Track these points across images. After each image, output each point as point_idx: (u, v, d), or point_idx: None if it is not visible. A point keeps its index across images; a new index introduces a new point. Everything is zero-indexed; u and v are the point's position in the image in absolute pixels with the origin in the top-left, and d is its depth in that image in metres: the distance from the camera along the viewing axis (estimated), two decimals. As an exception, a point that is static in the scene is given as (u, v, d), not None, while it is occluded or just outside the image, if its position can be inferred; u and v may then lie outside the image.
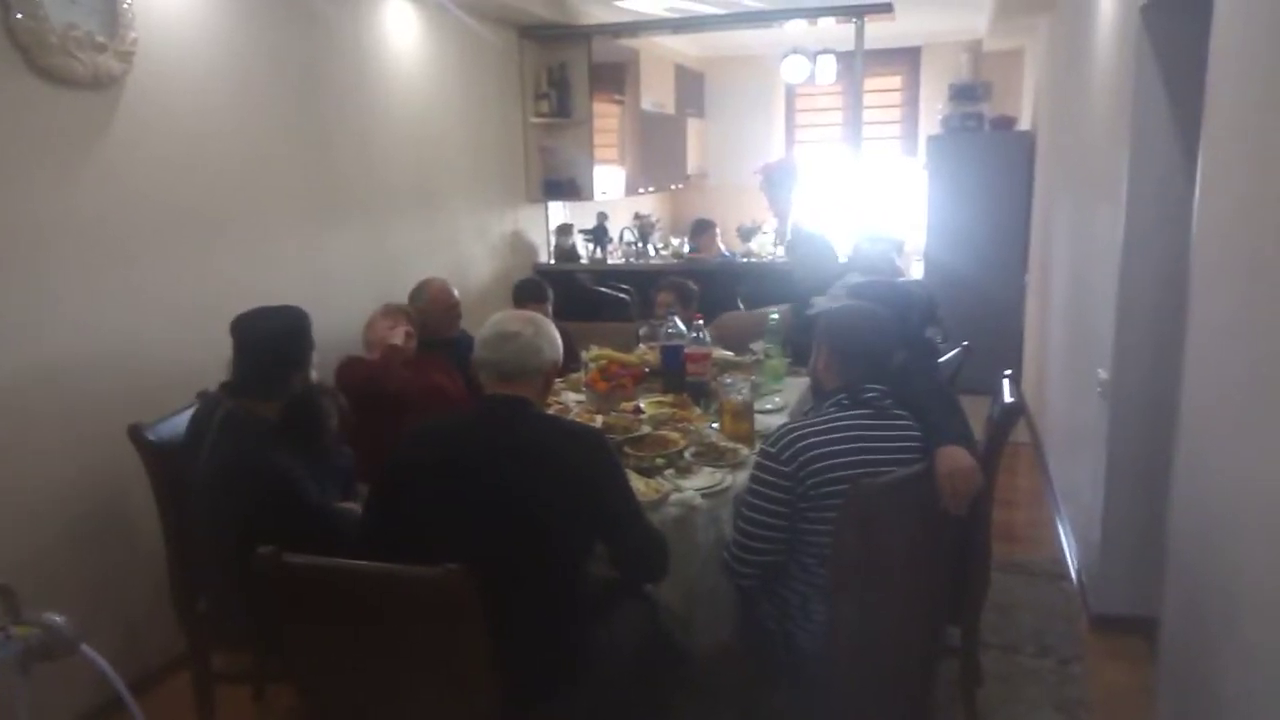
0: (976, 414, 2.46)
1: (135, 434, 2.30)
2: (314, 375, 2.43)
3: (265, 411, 2.29)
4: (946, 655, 2.46)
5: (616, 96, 6.28)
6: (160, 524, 2.35)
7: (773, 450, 1.95)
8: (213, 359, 2.36)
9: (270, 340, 2.32)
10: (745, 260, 5.86)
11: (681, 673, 2.15)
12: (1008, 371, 2.67)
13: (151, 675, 2.85)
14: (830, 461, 1.91)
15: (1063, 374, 4.24)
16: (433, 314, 3.57)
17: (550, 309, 4.07)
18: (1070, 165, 4.23)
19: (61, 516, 2.63)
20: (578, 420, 2.61)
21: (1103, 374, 3.08)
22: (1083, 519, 3.45)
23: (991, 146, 5.96)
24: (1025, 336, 5.92)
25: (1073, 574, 3.50)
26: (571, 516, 1.81)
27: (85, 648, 1.58)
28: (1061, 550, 3.73)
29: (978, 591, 2.44)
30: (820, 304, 2.56)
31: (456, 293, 3.73)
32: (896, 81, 7.90)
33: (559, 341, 2.00)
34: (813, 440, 1.93)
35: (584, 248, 5.91)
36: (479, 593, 1.48)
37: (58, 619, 1.60)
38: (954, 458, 1.88)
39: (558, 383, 3.37)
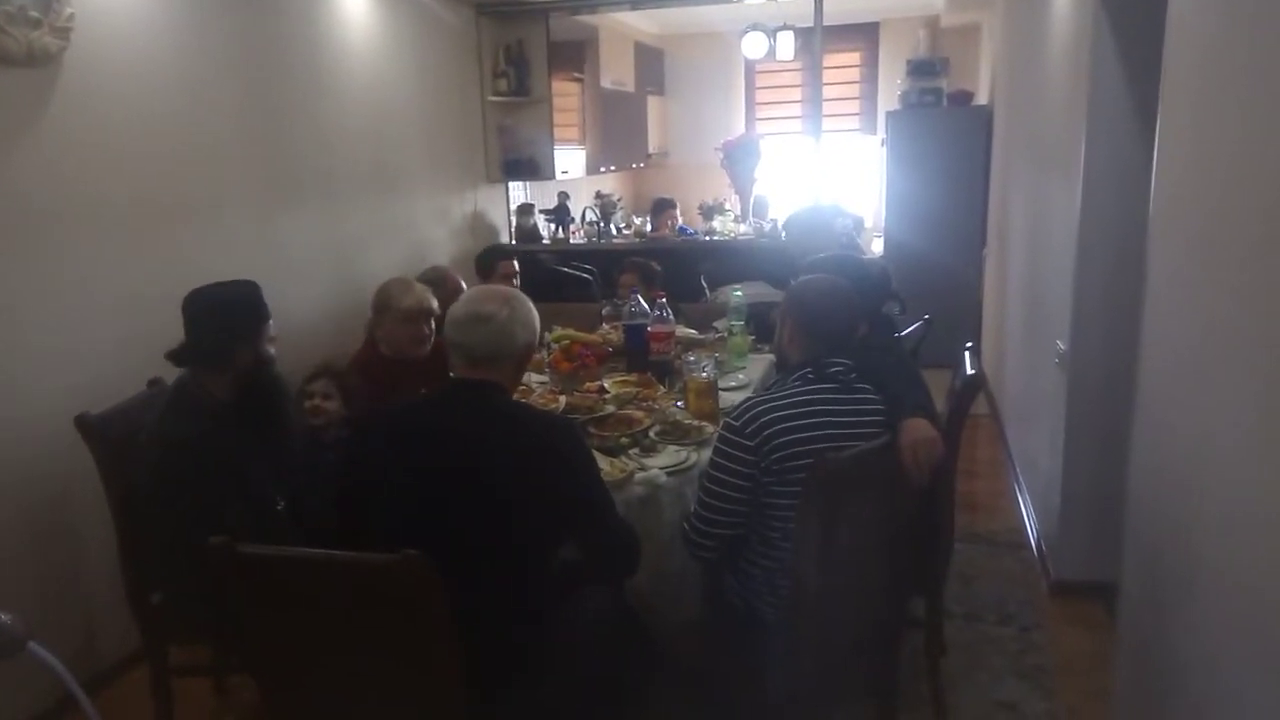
0: (938, 387, 2.47)
1: (82, 423, 2.23)
2: (270, 350, 2.36)
3: (216, 387, 2.23)
4: (910, 626, 2.49)
5: (576, 74, 6.22)
6: (111, 515, 2.28)
7: (736, 424, 1.94)
8: (163, 347, 2.29)
9: (217, 307, 2.25)
10: (708, 239, 5.84)
11: (648, 651, 2.14)
12: (969, 344, 2.69)
13: (111, 670, 2.80)
14: (794, 436, 1.90)
15: (1021, 346, 4.29)
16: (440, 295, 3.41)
17: (515, 264, 4.07)
18: (1028, 139, 4.27)
19: (9, 512, 2.55)
20: (547, 408, 2.57)
21: (1060, 345, 3.11)
22: (1041, 487, 3.51)
23: (949, 122, 6.00)
24: (984, 310, 5.98)
25: (1032, 542, 3.56)
26: (538, 507, 1.76)
27: (34, 645, 1.53)
28: (1021, 519, 3.79)
29: (941, 562, 2.46)
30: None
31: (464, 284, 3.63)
32: (855, 58, 7.91)
33: (535, 323, 1.92)
34: (777, 414, 1.92)
35: (545, 228, 5.86)
36: (440, 579, 1.44)
37: (3, 617, 1.55)
38: (916, 429, 1.89)
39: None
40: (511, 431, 1.78)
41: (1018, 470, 4.16)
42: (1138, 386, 2.09)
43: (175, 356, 2.26)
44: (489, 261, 4.20)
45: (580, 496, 1.83)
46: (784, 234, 3.95)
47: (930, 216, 5.98)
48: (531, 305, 1.94)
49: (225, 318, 2.27)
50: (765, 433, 1.90)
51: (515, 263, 4.30)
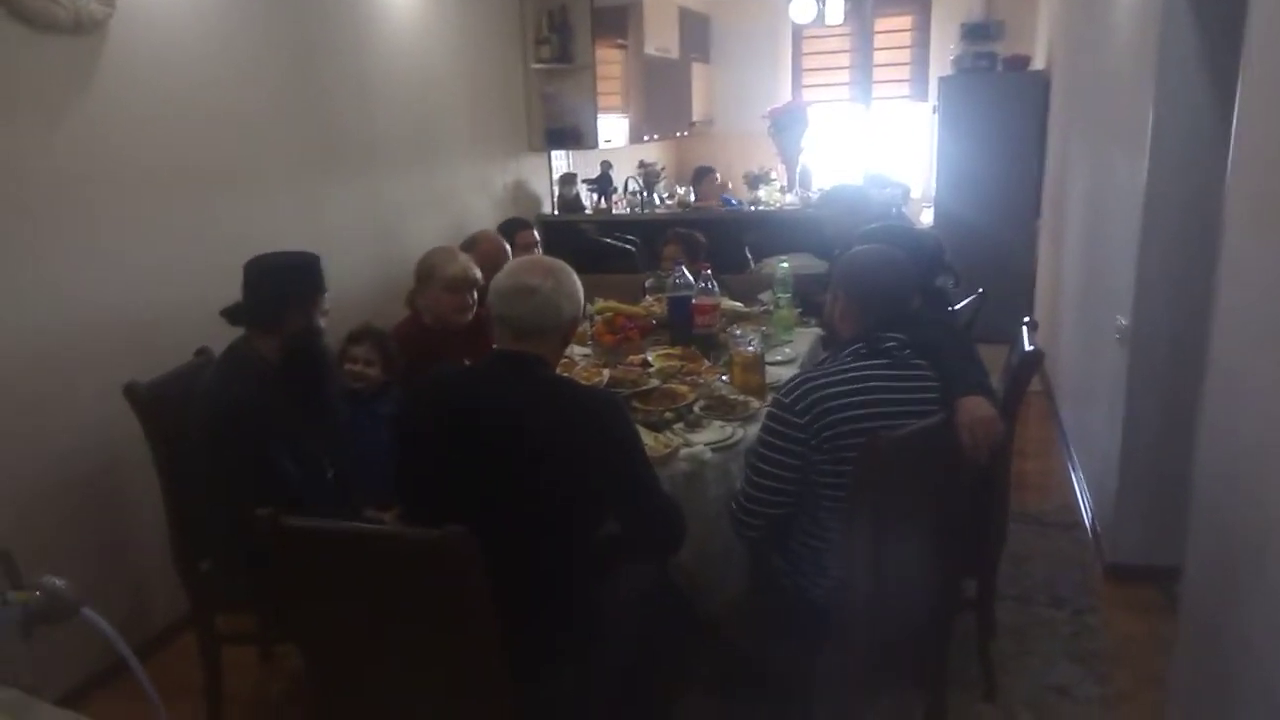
0: (992, 362, 2.39)
1: (130, 392, 2.24)
2: (321, 322, 2.37)
3: (266, 348, 2.25)
4: (962, 608, 2.43)
5: (619, 41, 6.11)
6: (159, 483, 2.30)
7: (786, 401, 1.88)
8: (209, 317, 2.30)
9: (273, 272, 2.27)
10: (753, 208, 5.74)
11: (692, 630, 2.11)
12: (1026, 319, 2.59)
13: (161, 635, 2.85)
14: (847, 414, 1.84)
15: (1077, 320, 4.16)
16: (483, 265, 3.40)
17: (518, 251, 4.01)
18: (1088, 106, 4.10)
19: (64, 480, 2.58)
20: (590, 382, 2.53)
21: (1121, 320, 3.00)
22: (1097, 467, 3.40)
23: (1004, 87, 5.80)
24: (1038, 282, 5.82)
25: (1086, 523, 3.46)
26: (581, 483, 1.73)
27: (87, 610, 1.54)
28: (1075, 499, 3.69)
29: (995, 544, 2.40)
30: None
31: (509, 249, 3.62)
32: (906, 21, 7.67)
33: (580, 294, 1.87)
34: (829, 390, 1.86)
35: (588, 198, 5.80)
36: (483, 554, 1.42)
37: (59, 583, 1.57)
38: (974, 407, 1.82)
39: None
40: (555, 406, 1.75)
41: (1071, 449, 4.05)
42: (1209, 364, 1.99)
43: (229, 314, 2.28)
44: (509, 232, 4.16)
45: (624, 472, 1.79)
46: (820, 210, 3.84)
47: (982, 186, 5.81)
48: (576, 277, 1.90)
49: (282, 281, 2.29)
50: (816, 409, 1.85)
51: (535, 232, 4.31)
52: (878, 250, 2.05)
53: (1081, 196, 4.19)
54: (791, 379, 1.98)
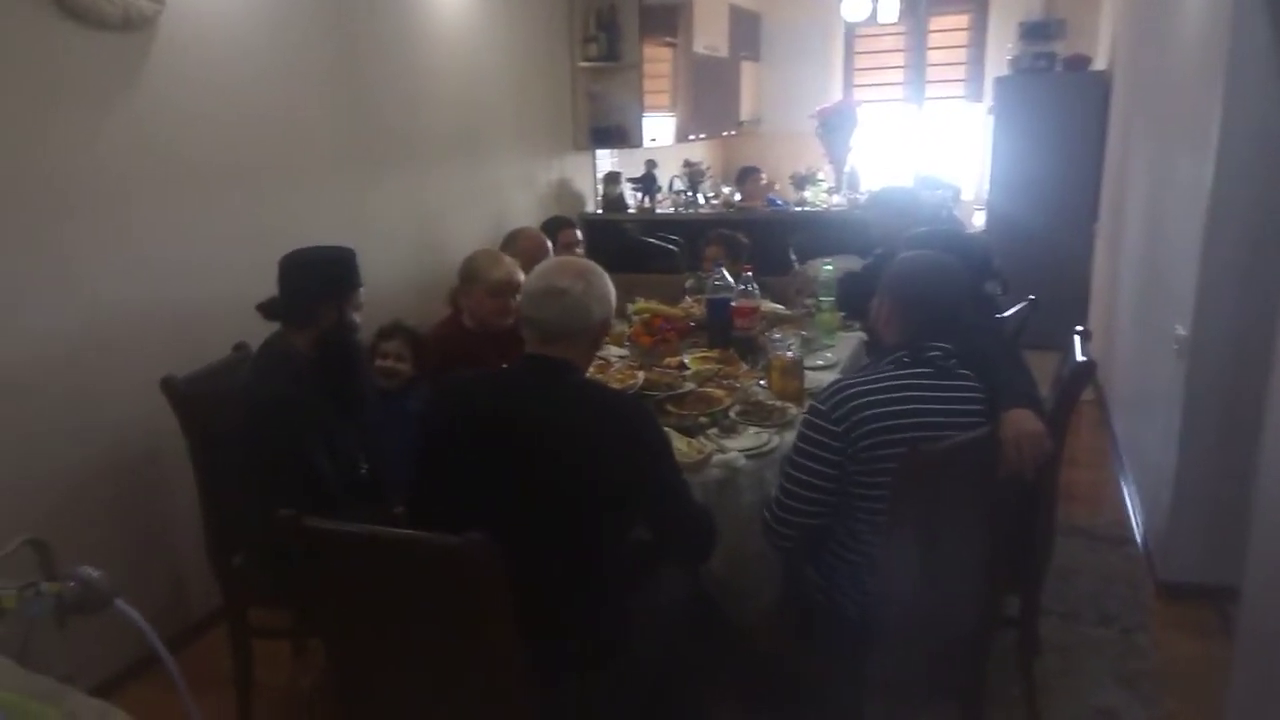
0: (1043, 370, 2.31)
1: (168, 386, 2.27)
2: (355, 318, 2.37)
3: (300, 343, 2.25)
4: (1004, 625, 2.35)
5: (668, 39, 6.06)
6: (195, 475, 2.32)
7: (823, 407, 1.83)
8: (251, 312, 2.31)
9: (307, 267, 2.28)
10: (799, 209, 5.66)
11: (723, 641, 2.07)
12: (1079, 328, 2.50)
13: (199, 624, 2.88)
14: (885, 423, 1.78)
15: (1133, 329, 4.01)
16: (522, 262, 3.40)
17: (560, 250, 3.98)
18: (1151, 106, 3.96)
19: (106, 472, 2.62)
20: (619, 387, 2.50)
21: (1180, 330, 2.88)
22: (1151, 481, 3.28)
23: (1063, 88, 5.64)
24: (1093, 288, 5.65)
25: (1138, 538, 3.34)
26: (608, 490, 1.70)
27: (120, 602, 1.56)
28: (1126, 513, 3.56)
29: (1041, 560, 2.31)
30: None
31: (550, 246, 3.61)
32: (963, 20, 7.50)
33: (611, 297, 1.84)
34: (867, 398, 1.80)
35: (632, 197, 5.76)
36: (507, 561, 1.39)
37: (94, 573, 1.58)
38: (1021, 420, 1.74)
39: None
40: (583, 412, 1.72)
41: (1124, 460, 3.91)
42: (1274, 376, 1.89)
43: (265, 309, 2.30)
44: (551, 230, 4.13)
45: (654, 477, 1.76)
46: (867, 212, 3.75)
47: (1038, 189, 5.65)
48: (608, 279, 1.86)
49: (315, 276, 2.29)
50: (854, 417, 1.79)
51: (578, 231, 4.24)
52: (930, 256, 1.97)
53: (1141, 200, 4.05)
54: (829, 385, 1.92)
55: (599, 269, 1.86)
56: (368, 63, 3.66)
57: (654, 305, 3.13)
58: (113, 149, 2.58)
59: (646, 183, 5.68)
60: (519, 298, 1.99)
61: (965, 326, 2.15)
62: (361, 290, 2.37)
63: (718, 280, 3.01)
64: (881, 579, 1.77)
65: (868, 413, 1.79)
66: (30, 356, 2.40)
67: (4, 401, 2.35)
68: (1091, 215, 5.64)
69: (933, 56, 7.45)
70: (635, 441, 1.71)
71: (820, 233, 5.05)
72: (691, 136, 6.50)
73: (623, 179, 5.71)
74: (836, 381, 1.92)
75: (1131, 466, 3.76)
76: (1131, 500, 3.59)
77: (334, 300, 2.29)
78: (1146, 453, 3.42)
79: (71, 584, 1.56)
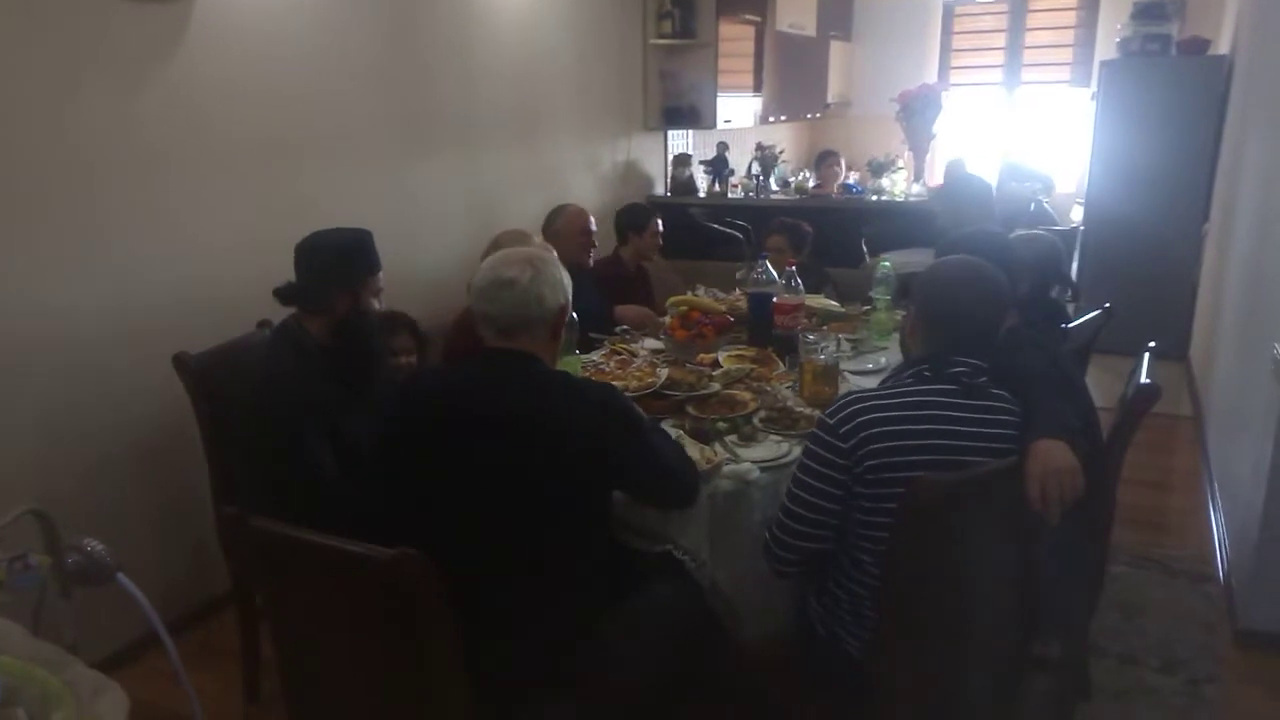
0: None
1: (179, 362, 2.25)
2: (374, 302, 2.30)
3: (315, 328, 2.20)
4: (1040, 669, 2.14)
5: (749, 17, 5.84)
6: (205, 453, 2.31)
7: (831, 421, 1.65)
8: (280, 290, 2.27)
9: (322, 252, 2.22)
10: (875, 198, 5.38)
11: (720, 665, 1.93)
12: (1151, 343, 2.24)
13: (221, 597, 2.89)
14: (896, 443, 1.60)
15: (1234, 344, 3.65)
16: (564, 242, 3.29)
17: (647, 238, 3.82)
18: (1270, 95, 3.56)
19: (119, 447, 2.62)
20: (638, 384, 2.37)
21: (1279, 350, 2.57)
22: (1240, 515, 2.96)
23: (1177, 74, 5.17)
24: (1199, 293, 5.20)
25: (1220, 577, 3.02)
26: (574, 489, 1.59)
27: (121, 576, 1.55)
28: (1211, 547, 3.24)
29: (1085, 602, 2.09)
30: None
31: (594, 222, 3.51)
32: (1073, 0, 7.02)
33: (565, 283, 1.75)
34: (877, 415, 1.62)
35: (703, 180, 5.59)
36: (469, 570, 1.29)
37: (97, 546, 1.57)
38: (1049, 455, 1.53)
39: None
40: (548, 403, 1.62)
41: (1216, 487, 3.57)
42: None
43: (280, 293, 2.25)
44: (638, 222, 3.85)
45: (627, 460, 1.69)
46: (938, 202, 3.49)
47: (1144, 184, 5.23)
48: (559, 265, 1.78)
49: (330, 262, 2.23)
50: (861, 434, 1.61)
51: (646, 235, 3.85)
52: (964, 263, 1.77)
53: (1252, 200, 3.66)
54: (842, 395, 1.75)
55: (549, 256, 1.78)
56: (422, 36, 3.59)
57: (691, 298, 2.98)
58: (147, 121, 2.58)
59: (717, 166, 5.49)
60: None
61: (1011, 339, 1.94)
62: (381, 276, 2.30)
63: (760, 273, 2.83)
64: (884, 616, 1.60)
65: (877, 430, 1.60)
66: (57, 329, 2.42)
67: (29, 375, 2.37)
68: (1202, 215, 5.18)
69: (1040, 38, 6.99)
70: (600, 431, 1.62)
71: (896, 223, 4.80)
72: (772, 119, 6.27)
73: (694, 161, 5.53)
74: (849, 393, 1.74)
75: (1222, 495, 3.42)
76: (1219, 533, 3.26)
77: (348, 287, 2.23)
78: (1238, 482, 3.10)
79: (74, 556, 1.56)
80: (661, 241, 3.93)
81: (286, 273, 2.24)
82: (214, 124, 2.76)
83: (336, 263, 2.22)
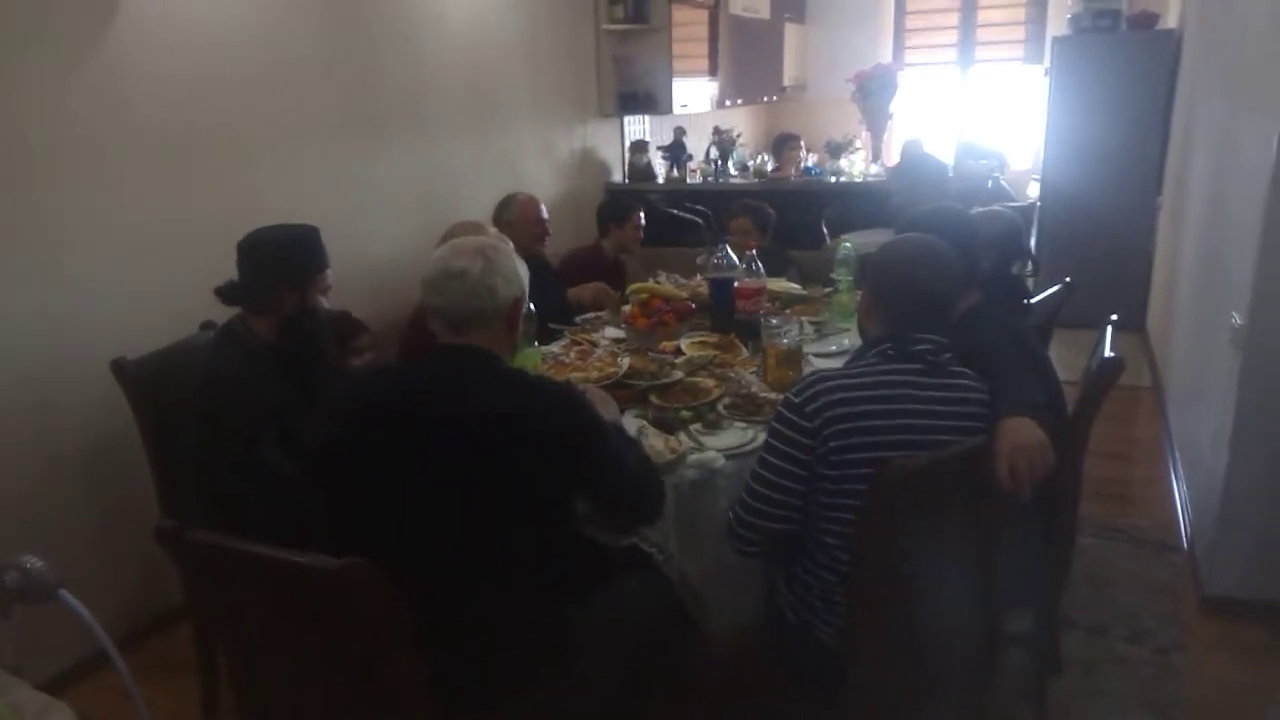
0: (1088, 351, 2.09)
1: (117, 368, 2.16)
2: (321, 300, 2.23)
3: (261, 328, 2.12)
4: (1012, 644, 2.13)
5: (702, 0, 5.78)
6: (149, 462, 2.22)
7: (796, 400, 1.61)
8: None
9: (266, 248, 2.13)
10: (834, 180, 5.36)
11: (692, 659, 1.90)
12: (1113, 316, 2.23)
13: (177, 609, 2.79)
14: (860, 423, 1.56)
15: (1190, 313, 3.69)
16: (518, 231, 3.23)
17: (629, 230, 3.79)
18: (1218, 68, 3.59)
19: (55, 457, 2.52)
20: (599, 376, 2.32)
21: (1236, 318, 2.59)
22: (1201, 482, 2.99)
23: (1127, 49, 5.21)
24: (1155, 265, 5.26)
25: (1184, 545, 3.05)
26: (532, 493, 1.54)
27: (64, 593, 1.48)
28: (1174, 516, 3.27)
29: (1055, 576, 2.08)
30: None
31: (545, 210, 3.45)
32: (1023, -23, 7.05)
33: (519, 273, 1.68)
34: (843, 394, 1.58)
35: (660, 166, 5.53)
36: (388, 587, 1.23)
37: (36, 563, 1.50)
38: (1017, 432, 1.51)
39: (600, 315, 3.10)
40: (505, 402, 1.55)
41: (1177, 456, 3.61)
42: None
43: (222, 293, 2.17)
44: (619, 215, 3.83)
45: (588, 463, 1.62)
46: (891, 181, 3.48)
47: (1097, 158, 5.28)
48: (514, 254, 1.70)
49: (275, 259, 2.15)
50: (826, 414, 1.57)
51: (627, 228, 3.87)
52: (914, 242, 1.74)
53: (1204, 172, 3.69)
54: (807, 375, 1.71)
55: (502, 245, 1.70)
56: (364, 22, 3.48)
57: (653, 285, 2.93)
58: (74, 111, 2.46)
59: (675, 151, 5.44)
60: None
61: (974, 317, 1.93)
62: (329, 273, 2.22)
63: (719, 258, 2.79)
64: (855, 602, 1.57)
65: (843, 410, 1.57)
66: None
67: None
68: (1155, 188, 5.24)
69: (992, 16, 7.02)
70: (564, 430, 1.56)
71: (855, 204, 4.79)
72: (729, 103, 6.23)
73: (651, 147, 5.48)
74: (815, 372, 1.71)
75: (1184, 464, 3.45)
76: (1181, 502, 3.29)
77: (294, 285, 2.15)
78: (1198, 450, 3.13)
79: (11, 574, 1.48)
80: (643, 234, 3.90)
81: (230, 270, 2.16)
82: (149, 115, 2.65)
83: (282, 259, 2.14)
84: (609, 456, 1.64)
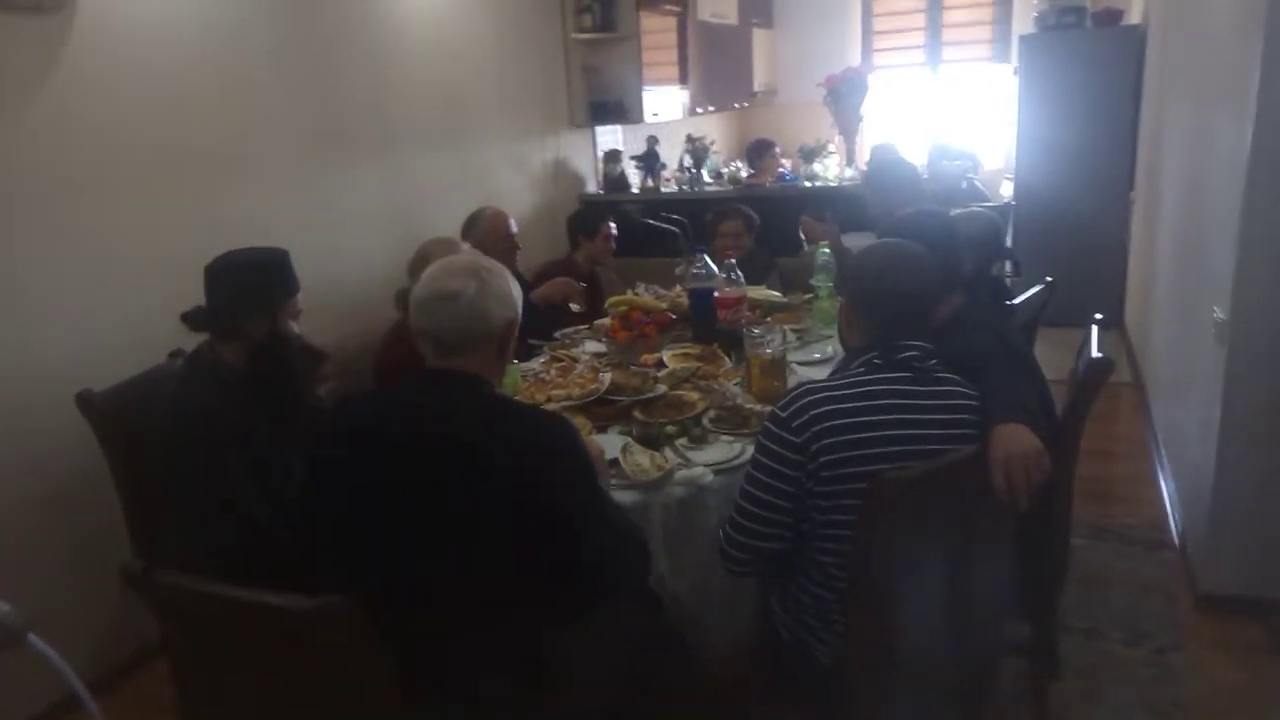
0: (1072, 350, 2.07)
1: (83, 400, 2.08)
2: (292, 325, 2.15)
3: (230, 355, 2.05)
4: (1011, 653, 2.09)
5: (670, 7, 5.76)
6: (119, 498, 2.13)
7: (783, 414, 1.56)
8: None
9: (234, 272, 2.06)
10: (809, 184, 5.34)
11: (686, 681, 1.84)
12: (1098, 315, 2.21)
13: (150, 649, 2.70)
14: (849, 435, 1.52)
15: (1170, 309, 3.68)
16: (489, 248, 3.14)
17: (600, 242, 3.75)
18: (1189, 62, 3.60)
19: (19, 493, 2.43)
20: (580, 393, 2.26)
21: (1218, 313, 2.57)
22: (1189, 478, 2.98)
23: (1094, 45, 5.24)
24: (1130, 261, 5.28)
25: (1176, 543, 3.03)
26: (523, 518, 1.47)
27: (33, 637, 1.40)
28: (1164, 514, 3.25)
29: (1052, 583, 2.04)
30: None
31: (514, 224, 3.39)
32: (988, -23, 7.09)
33: (513, 294, 1.61)
34: (831, 407, 1.54)
35: (634, 176, 5.49)
36: (402, 605, 1.17)
37: (3, 607, 1.42)
38: (1011, 439, 1.47)
39: (581, 330, 3.05)
40: (494, 431, 1.48)
41: (1163, 453, 3.60)
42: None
43: (189, 319, 2.09)
44: (588, 227, 3.79)
45: (577, 500, 1.52)
46: (863, 186, 3.47)
47: (1069, 156, 5.30)
48: (508, 275, 1.63)
49: (244, 283, 2.07)
50: (815, 428, 1.52)
51: (598, 240, 3.83)
52: (890, 247, 1.71)
53: (1178, 168, 3.70)
54: (794, 387, 1.67)
55: (497, 266, 1.62)
56: (329, 34, 3.42)
57: (632, 297, 2.88)
58: (29, 138, 2.38)
59: (649, 160, 5.40)
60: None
61: (959, 321, 1.89)
62: (299, 297, 2.15)
63: (699, 268, 2.75)
64: (852, 619, 1.53)
65: (832, 423, 1.52)
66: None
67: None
68: (1128, 183, 5.27)
69: (958, 16, 7.06)
70: (553, 464, 1.49)
71: (831, 209, 4.75)
72: (700, 110, 6.20)
73: (625, 157, 5.44)
74: (802, 384, 1.66)
75: (1170, 460, 3.44)
76: (1170, 499, 3.28)
77: (264, 309, 2.07)
78: (1185, 446, 3.12)
79: None
80: (615, 245, 3.85)
81: (193, 295, 2.08)
82: (110, 138, 2.58)
83: (251, 284, 2.07)
84: (594, 496, 1.56)
